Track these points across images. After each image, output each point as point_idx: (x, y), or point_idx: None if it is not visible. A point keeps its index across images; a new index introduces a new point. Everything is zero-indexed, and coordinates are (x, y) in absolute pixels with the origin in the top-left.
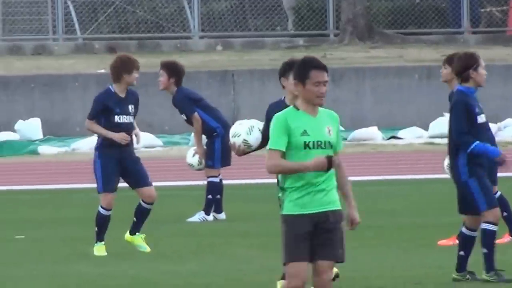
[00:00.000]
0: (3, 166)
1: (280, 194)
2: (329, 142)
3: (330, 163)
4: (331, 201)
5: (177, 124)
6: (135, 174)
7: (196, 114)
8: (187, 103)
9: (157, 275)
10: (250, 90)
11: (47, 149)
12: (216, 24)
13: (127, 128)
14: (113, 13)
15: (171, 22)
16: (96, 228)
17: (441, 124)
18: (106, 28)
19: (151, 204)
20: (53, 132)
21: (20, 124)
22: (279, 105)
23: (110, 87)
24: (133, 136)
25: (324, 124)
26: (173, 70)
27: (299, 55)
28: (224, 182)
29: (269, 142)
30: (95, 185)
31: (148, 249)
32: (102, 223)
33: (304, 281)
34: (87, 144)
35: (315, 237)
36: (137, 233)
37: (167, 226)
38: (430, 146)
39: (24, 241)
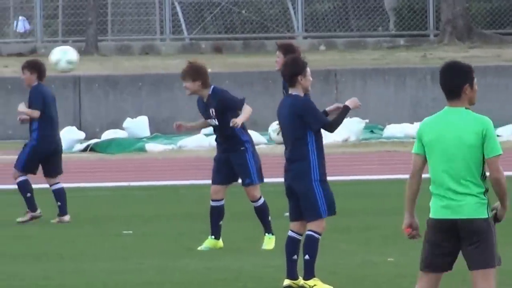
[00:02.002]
0: (112, 163)
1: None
2: None
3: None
4: None
5: None
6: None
7: None
8: None
9: (260, 269)
10: (352, 89)
11: (154, 147)
12: (320, 25)
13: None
14: (219, 13)
15: (276, 23)
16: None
17: None
18: (212, 29)
19: (253, 201)
20: (160, 130)
21: (128, 122)
22: None
23: None
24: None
25: None
26: (290, 51)
27: (400, 55)
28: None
29: (499, 149)
30: (201, 181)
31: (268, 247)
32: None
33: None
34: (193, 142)
35: None
36: (266, 234)
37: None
38: None
39: (131, 236)
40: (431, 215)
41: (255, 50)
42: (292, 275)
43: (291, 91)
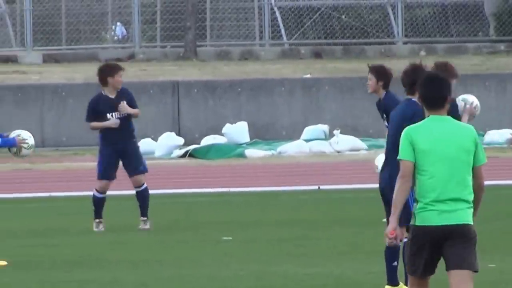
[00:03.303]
0: (211, 169)
1: None
2: None
3: None
4: None
5: (382, 128)
6: None
7: None
8: (394, 107)
9: (361, 275)
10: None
11: (254, 152)
12: (420, 30)
13: None
14: (318, 19)
15: (376, 28)
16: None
17: None
18: (312, 34)
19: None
20: (259, 135)
21: (227, 128)
22: None
23: None
24: None
25: None
26: (381, 74)
27: (500, 60)
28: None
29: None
30: (301, 187)
31: None
32: None
33: None
34: (293, 148)
35: None
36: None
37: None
38: None
39: (231, 242)
40: (425, 223)
41: (355, 55)
42: (393, 281)
43: (410, 97)
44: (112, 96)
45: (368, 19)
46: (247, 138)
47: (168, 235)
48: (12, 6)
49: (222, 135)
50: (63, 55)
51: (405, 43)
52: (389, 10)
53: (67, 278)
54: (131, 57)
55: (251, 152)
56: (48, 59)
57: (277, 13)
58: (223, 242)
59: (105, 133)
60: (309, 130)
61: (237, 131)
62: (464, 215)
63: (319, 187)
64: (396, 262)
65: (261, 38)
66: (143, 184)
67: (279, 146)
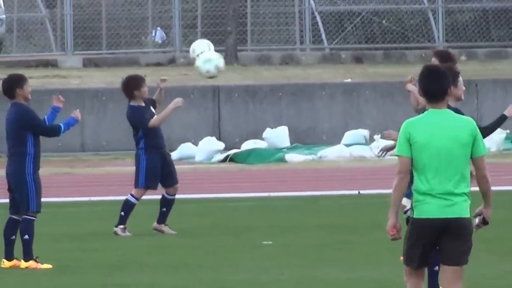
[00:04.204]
0: (251, 173)
1: None
2: None
3: None
4: None
5: None
6: None
7: None
8: None
9: (402, 279)
10: (493, 99)
11: (294, 157)
12: (460, 35)
13: None
14: (359, 23)
15: (416, 33)
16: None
17: None
18: (353, 38)
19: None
20: (300, 140)
21: (268, 132)
22: None
23: None
24: None
25: None
26: (445, 58)
27: None
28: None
29: (486, 148)
30: (341, 192)
31: None
32: None
33: None
34: (334, 152)
35: None
36: None
37: None
38: None
39: (271, 246)
40: (422, 215)
41: (395, 60)
42: (434, 285)
43: None
44: (143, 104)
45: (409, 23)
46: (287, 143)
47: (209, 240)
48: (53, 10)
49: (263, 139)
50: (103, 60)
51: (445, 47)
52: (430, 15)
53: (107, 282)
54: (172, 61)
55: (291, 156)
56: (88, 63)
57: (318, 18)
58: (263, 247)
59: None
60: (350, 135)
61: (278, 135)
62: (460, 208)
63: (359, 192)
64: (437, 267)
65: (301, 43)
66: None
67: (320, 150)
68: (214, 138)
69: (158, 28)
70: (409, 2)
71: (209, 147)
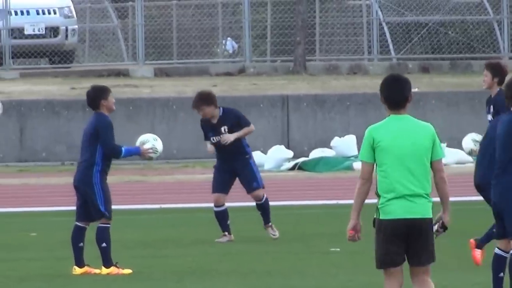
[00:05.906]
0: (320, 181)
1: None
2: None
3: None
4: None
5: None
6: None
7: None
8: (503, 105)
9: (468, 286)
10: None
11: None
12: None
13: None
14: (426, 34)
15: (482, 43)
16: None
17: None
18: (419, 49)
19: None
20: None
21: (336, 141)
22: None
23: None
24: None
25: None
26: (497, 70)
27: None
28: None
29: (443, 152)
30: None
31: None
32: None
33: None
34: None
35: None
36: None
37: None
38: None
39: (339, 253)
40: (388, 216)
41: (461, 70)
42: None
43: None
44: (214, 121)
45: (474, 34)
46: (355, 151)
47: (277, 246)
48: (124, 21)
49: (331, 148)
50: (174, 69)
51: (511, 58)
52: (495, 25)
53: None
54: (242, 71)
55: (358, 165)
56: (159, 73)
57: (385, 29)
58: (331, 253)
59: (217, 150)
60: None
61: (345, 144)
62: (424, 209)
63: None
64: (502, 273)
65: (369, 53)
66: (262, 197)
67: None
68: (283, 147)
69: (229, 38)
70: (474, 13)
71: (278, 155)
